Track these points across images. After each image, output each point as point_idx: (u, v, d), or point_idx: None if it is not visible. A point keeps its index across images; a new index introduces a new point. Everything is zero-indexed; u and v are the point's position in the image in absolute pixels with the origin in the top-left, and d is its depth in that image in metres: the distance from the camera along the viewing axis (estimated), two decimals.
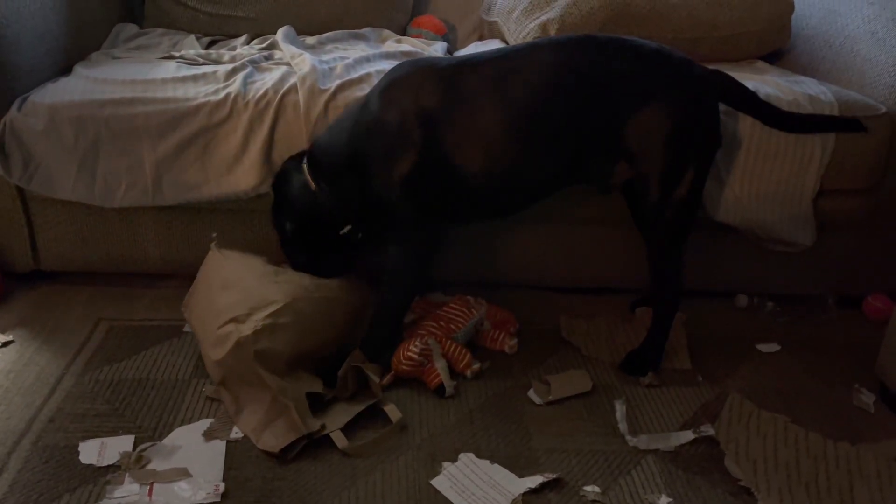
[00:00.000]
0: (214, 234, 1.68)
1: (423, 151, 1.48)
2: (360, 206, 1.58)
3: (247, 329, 1.44)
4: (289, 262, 1.68)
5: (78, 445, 1.39)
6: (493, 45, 2.20)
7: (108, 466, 1.34)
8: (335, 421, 1.43)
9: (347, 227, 1.61)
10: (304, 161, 1.62)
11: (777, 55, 2.13)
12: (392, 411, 1.48)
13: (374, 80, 1.70)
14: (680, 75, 1.51)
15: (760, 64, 2.03)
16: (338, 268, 1.69)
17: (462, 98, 1.49)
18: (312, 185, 1.59)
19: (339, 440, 1.40)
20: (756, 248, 1.84)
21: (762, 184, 1.72)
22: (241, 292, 1.53)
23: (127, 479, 1.31)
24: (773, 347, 1.78)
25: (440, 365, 1.57)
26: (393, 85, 1.53)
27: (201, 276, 1.68)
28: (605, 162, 1.55)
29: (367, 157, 1.52)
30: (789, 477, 1.37)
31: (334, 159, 1.56)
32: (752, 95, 1.60)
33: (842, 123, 1.68)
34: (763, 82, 1.79)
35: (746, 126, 1.69)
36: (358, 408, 1.47)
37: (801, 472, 1.39)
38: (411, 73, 1.53)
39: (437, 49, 2.15)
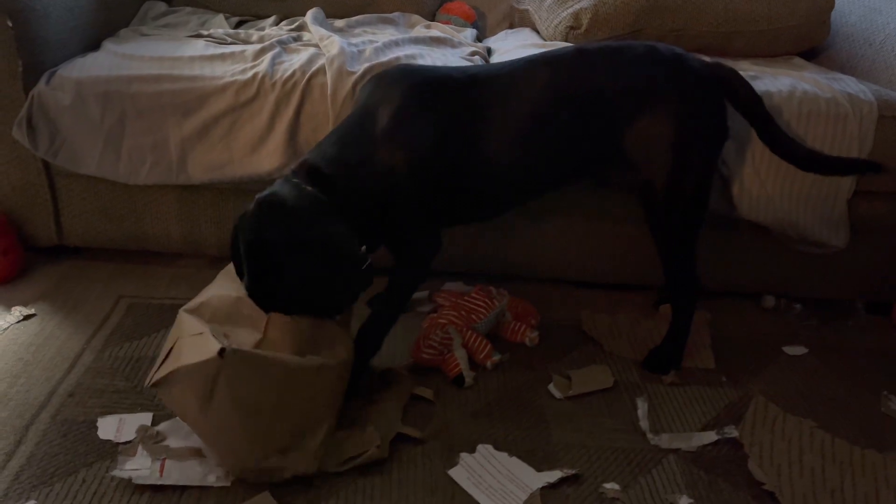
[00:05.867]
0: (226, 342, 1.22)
1: (429, 155, 1.41)
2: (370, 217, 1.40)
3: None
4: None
5: (96, 421, 1.39)
6: (523, 33, 2.18)
7: (126, 443, 1.34)
8: (388, 424, 1.40)
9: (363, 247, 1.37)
10: (301, 180, 1.33)
11: (815, 52, 2.08)
12: (423, 391, 1.50)
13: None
14: (673, 74, 1.46)
15: (798, 60, 1.98)
16: None
17: (465, 107, 1.43)
18: (325, 198, 1.32)
19: (413, 431, 1.40)
20: (785, 249, 1.80)
21: (796, 182, 1.68)
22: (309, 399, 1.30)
23: (140, 451, 1.31)
24: (799, 350, 1.74)
25: (460, 355, 1.55)
26: (396, 91, 1.43)
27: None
28: (606, 167, 1.52)
29: (375, 160, 1.39)
30: (814, 483, 1.34)
31: (347, 170, 1.36)
32: (758, 100, 1.52)
33: (849, 166, 1.61)
34: (801, 79, 1.75)
35: (781, 122, 1.64)
36: (401, 402, 1.46)
37: (826, 479, 1.35)
38: (426, 82, 1.44)
39: (466, 36, 2.12)
